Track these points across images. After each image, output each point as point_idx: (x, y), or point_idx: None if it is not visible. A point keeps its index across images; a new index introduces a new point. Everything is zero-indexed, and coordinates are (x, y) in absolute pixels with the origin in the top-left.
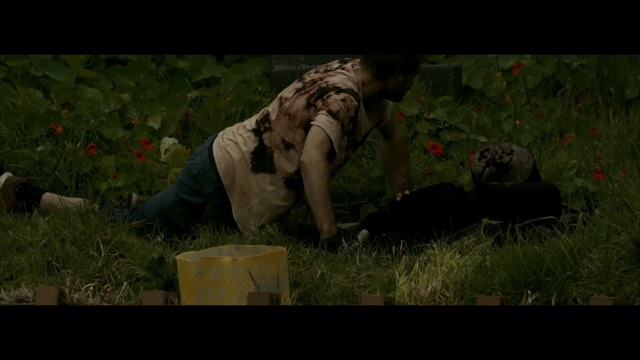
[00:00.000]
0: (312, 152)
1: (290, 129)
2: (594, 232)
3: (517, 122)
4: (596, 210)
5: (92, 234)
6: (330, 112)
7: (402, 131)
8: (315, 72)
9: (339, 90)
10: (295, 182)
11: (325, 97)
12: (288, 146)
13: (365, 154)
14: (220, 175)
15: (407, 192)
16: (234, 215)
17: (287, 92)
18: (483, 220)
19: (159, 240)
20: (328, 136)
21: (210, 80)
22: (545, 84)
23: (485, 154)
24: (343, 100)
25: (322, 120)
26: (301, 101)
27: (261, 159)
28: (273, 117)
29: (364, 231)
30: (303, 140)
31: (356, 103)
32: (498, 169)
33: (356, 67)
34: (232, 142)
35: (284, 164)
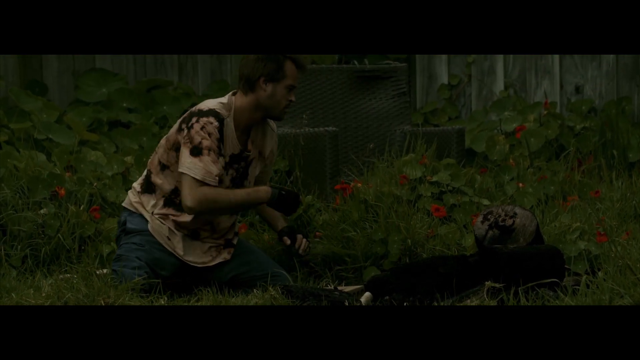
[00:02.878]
0: (186, 199)
1: (165, 151)
2: (597, 295)
3: (520, 184)
4: (599, 273)
5: (95, 296)
6: (193, 150)
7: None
8: None
9: (199, 115)
10: (172, 201)
11: (189, 124)
12: (163, 167)
13: (369, 218)
14: (126, 206)
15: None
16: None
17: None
18: (486, 283)
19: (162, 303)
20: (193, 178)
21: None
22: (549, 147)
23: (488, 216)
24: (202, 128)
25: (185, 164)
26: (176, 125)
27: (146, 182)
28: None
29: (367, 294)
30: (176, 162)
31: (217, 124)
32: (501, 231)
33: (236, 93)
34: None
35: (160, 182)
